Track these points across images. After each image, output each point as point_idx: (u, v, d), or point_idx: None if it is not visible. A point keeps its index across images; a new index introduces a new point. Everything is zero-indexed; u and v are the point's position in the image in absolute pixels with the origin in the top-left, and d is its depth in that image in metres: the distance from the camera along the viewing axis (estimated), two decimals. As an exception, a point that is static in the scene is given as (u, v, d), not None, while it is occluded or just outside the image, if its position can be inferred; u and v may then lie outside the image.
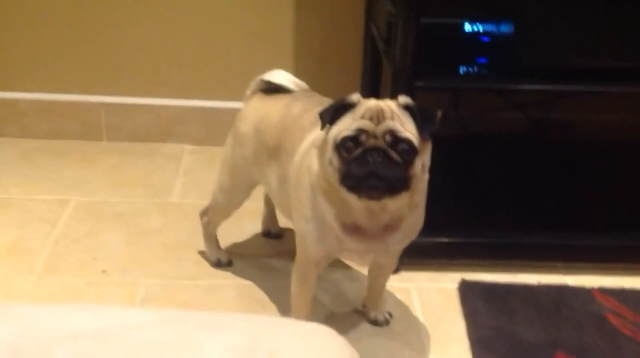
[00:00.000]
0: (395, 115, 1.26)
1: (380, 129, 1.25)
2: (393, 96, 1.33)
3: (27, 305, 0.75)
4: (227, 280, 1.74)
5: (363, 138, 1.25)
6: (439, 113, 1.29)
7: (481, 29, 1.71)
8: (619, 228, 1.88)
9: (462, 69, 1.71)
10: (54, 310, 0.71)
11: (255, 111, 1.58)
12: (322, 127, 1.29)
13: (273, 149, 1.51)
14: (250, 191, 1.68)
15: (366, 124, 1.25)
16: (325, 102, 1.51)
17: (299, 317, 1.49)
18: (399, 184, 1.25)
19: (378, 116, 1.25)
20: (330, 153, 1.27)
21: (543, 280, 1.76)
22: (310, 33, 2.28)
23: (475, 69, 1.71)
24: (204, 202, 1.77)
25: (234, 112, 1.67)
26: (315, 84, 1.66)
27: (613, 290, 1.73)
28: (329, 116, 1.28)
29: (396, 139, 1.24)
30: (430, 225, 1.49)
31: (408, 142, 1.24)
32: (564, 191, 2.07)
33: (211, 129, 2.32)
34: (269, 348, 0.75)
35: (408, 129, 1.25)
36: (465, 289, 1.72)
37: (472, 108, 2.24)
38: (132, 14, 2.26)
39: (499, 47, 1.69)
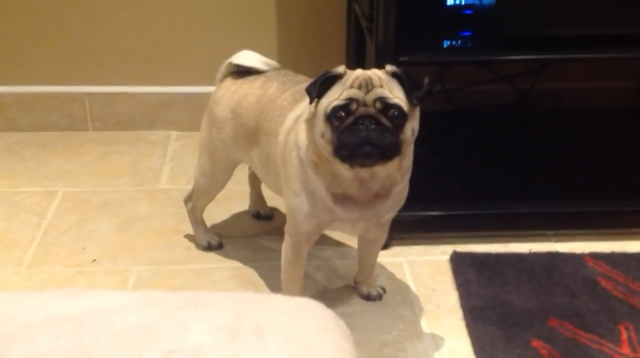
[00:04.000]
0: (383, 82, 1.27)
1: (370, 96, 1.26)
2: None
3: (5, 293, 0.74)
4: (218, 263, 1.74)
5: (354, 106, 1.26)
6: (426, 79, 1.31)
7: (463, 2, 1.70)
8: (608, 194, 1.88)
9: (445, 43, 1.71)
10: (34, 296, 0.71)
11: (231, 94, 1.57)
12: (311, 101, 1.29)
13: (252, 131, 1.51)
14: (231, 172, 1.68)
15: (356, 92, 1.26)
16: (300, 80, 1.51)
17: (290, 294, 1.48)
18: (391, 149, 1.27)
19: (367, 85, 1.27)
20: (321, 125, 1.27)
21: (534, 248, 1.76)
22: (293, 14, 2.25)
23: (459, 42, 1.71)
24: (192, 187, 1.76)
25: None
26: (300, 65, 1.64)
27: (604, 255, 1.73)
28: (316, 90, 1.28)
29: (386, 106, 1.26)
30: (420, 198, 1.48)
31: (398, 108, 1.26)
32: (552, 159, 2.06)
33: (197, 115, 2.26)
34: (254, 324, 0.74)
35: (397, 96, 1.27)
36: (457, 260, 1.72)
37: (458, 82, 2.23)
38: (112, 2, 2.23)
39: (482, 20, 1.69)
